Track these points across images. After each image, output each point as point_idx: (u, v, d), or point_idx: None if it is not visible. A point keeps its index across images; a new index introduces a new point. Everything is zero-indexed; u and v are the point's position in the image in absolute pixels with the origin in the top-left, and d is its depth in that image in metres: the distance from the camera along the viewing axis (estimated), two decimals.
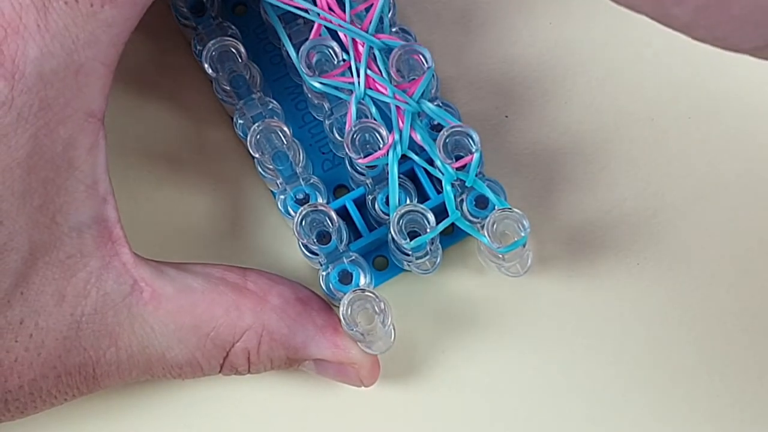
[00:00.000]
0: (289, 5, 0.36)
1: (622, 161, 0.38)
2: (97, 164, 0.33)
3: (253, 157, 0.36)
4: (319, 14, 0.36)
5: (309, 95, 0.37)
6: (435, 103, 0.36)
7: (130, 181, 0.38)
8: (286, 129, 0.35)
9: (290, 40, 0.37)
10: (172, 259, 0.35)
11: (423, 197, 0.36)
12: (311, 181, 0.36)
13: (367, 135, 0.35)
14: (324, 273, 0.36)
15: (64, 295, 0.32)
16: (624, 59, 0.39)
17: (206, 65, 0.36)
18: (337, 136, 0.36)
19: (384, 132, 0.35)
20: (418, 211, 0.35)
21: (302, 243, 0.35)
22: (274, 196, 0.37)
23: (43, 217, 0.32)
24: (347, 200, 0.36)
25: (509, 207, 0.35)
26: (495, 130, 0.38)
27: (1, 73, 0.31)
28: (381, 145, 0.35)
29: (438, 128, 0.36)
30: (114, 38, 0.32)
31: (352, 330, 0.34)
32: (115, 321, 0.33)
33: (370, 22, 0.36)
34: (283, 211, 0.36)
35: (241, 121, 0.37)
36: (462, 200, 0.36)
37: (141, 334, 0.33)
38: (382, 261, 0.38)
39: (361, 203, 0.37)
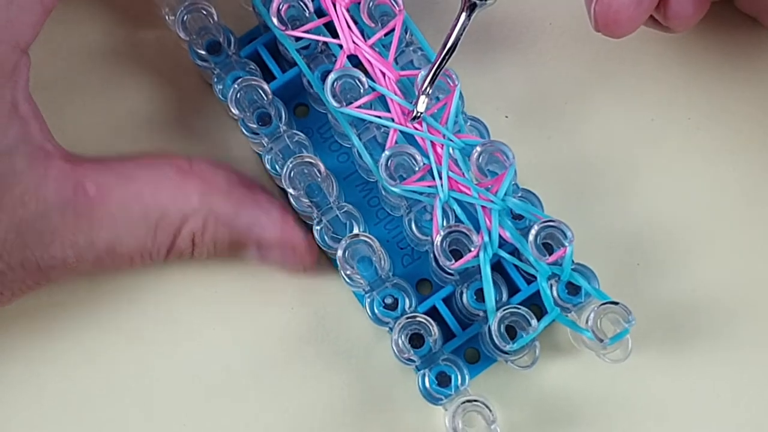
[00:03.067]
0: (364, 114, 0.35)
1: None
2: (17, 89, 0.33)
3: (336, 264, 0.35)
4: (393, 120, 0.35)
5: (385, 193, 0.36)
6: (516, 195, 0.35)
7: None
8: (374, 241, 0.35)
9: (360, 139, 0.36)
10: None
11: (512, 288, 0.36)
12: (395, 282, 0.36)
13: (456, 236, 0.35)
14: (421, 375, 0.35)
15: (1, 206, 0.33)
16: (624, 61, 0.39)
17: (287, 187, 0.35)
18: (418, 234, 0.36)
19: (473, 236, 0.34)
20: (519, 314, 0.34)
21: (403, 357, 0.35)
22: (360, 301, 0.36)
23: None
24: (437, 300, 0.36)
25: (612, 300, 0.34)
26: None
27: None
28: (471, 247, 0.34)
29: (519, 216, 0.36)
30: None
31: None
32: (59, 221, 0.33)
33: (446, 123, 0.35)
34: (372, 318, 0.36)
35: (326, 237, 0.36)
36: (552, 285, 0.35)
37: (87, 229, 0.34)
38: (473, 353, 0.37)
39: (447, 299, 0.36)
